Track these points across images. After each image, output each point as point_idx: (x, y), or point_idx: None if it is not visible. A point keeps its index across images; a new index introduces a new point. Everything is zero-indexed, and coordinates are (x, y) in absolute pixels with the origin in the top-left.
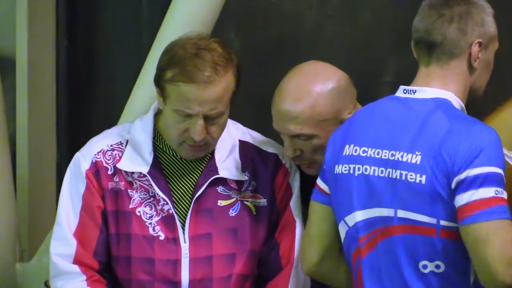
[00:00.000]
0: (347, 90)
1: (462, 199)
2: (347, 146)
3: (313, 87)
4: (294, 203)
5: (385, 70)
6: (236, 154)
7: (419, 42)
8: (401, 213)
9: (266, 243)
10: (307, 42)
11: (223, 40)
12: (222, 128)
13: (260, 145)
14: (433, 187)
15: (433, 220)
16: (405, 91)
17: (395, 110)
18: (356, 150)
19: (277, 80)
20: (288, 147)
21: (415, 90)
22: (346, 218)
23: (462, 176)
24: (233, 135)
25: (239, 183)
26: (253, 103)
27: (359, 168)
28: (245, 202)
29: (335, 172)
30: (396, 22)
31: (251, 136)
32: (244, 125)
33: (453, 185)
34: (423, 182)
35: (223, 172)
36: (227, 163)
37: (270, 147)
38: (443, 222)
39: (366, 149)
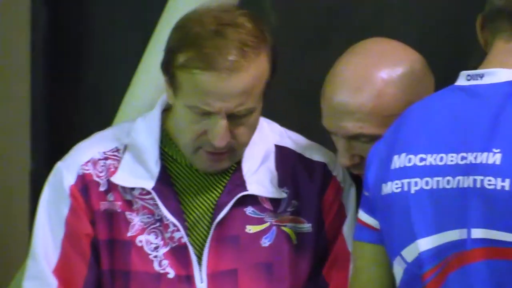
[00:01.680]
0: (423, 77)
1: None
2: (396, 157)
3: (378, 72)
4: (348, 230)
5: (474, 49)
6: (272, 163)
7: (499, 12)
8: (478, 233)
9: (310, 283)
10: (368, 17)
11: (254, 13)
12: (252, 129)
13: (303, 151)
14: None
15: None
16: (468, 77)
17: (458, 102)
18: (410, 160)
19: (326, 66)
20: (344, 152)
21: (483, 74)
22: (404, 252)
23: None
24: (267, 138)
25: (275, 202)
26: (294, 96)
27: (416, 183)
28: (282, 227)
29: (383, 194)
30: None
31: (292, 139)
32: (282, 124)
33: None
34: (507, 188)
35: (253, 188)
36: (259, 175)
37: (316, 154)
38: None
39: (424, 156)
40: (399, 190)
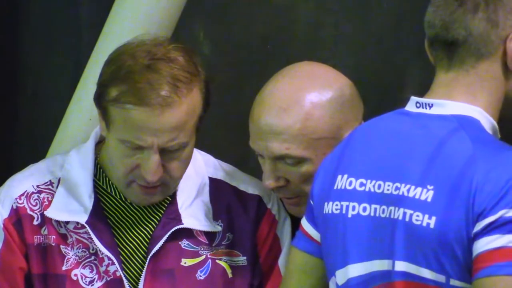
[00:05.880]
0: (352, 102)
1: (481, 245)
2: (339, 177)
3: (306, 94)
4: (284, 262)
5: (407, 82)
6: (206, 196)
7: (435, 41)
8: (401, 266)
9: None
10: (302, 45)
11: (187, 45)
12: (185, 164)
13: (237, 184)
14: (445, 232)
15: (440, 278)
16: (418, 105)
17: (404, 128)
18: (351, 183)
19: None
20: (269, 173)
21: (432, 104)
22: (337, 273)
23: (491, 218)
24: (201, 171)
25: (210, 235)
26: (228, 128)
27: (354, 207)
28: (217, 260)
29: (325, 212)
30: (422, 17)
31: (226, 172)
32: (217, 157)
33: (475, 229)
34: (432, 225)
35: (188, 221)
36: (193, 209)
37: (251, 187)
38: (454, 282)
39: (364, 181)
40: (338, 211)
